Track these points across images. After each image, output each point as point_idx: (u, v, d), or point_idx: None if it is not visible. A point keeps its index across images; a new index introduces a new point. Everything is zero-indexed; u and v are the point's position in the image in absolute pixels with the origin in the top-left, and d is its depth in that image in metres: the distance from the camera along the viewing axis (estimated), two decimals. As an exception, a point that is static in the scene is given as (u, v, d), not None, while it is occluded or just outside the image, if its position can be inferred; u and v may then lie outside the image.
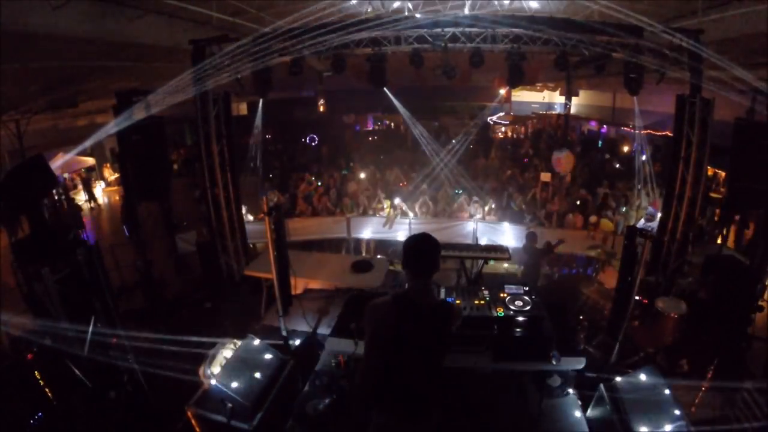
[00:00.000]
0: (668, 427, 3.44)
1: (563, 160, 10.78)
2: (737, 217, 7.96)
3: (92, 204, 14.49)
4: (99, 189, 15.33)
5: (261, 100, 9.84)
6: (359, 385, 2.61)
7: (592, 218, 8.99)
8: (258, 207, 9.45)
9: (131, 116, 5.62)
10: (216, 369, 3.95)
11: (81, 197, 14.38)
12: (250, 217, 9.53)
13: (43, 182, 3.77)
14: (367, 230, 9.67)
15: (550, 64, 7.46)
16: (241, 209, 8.07)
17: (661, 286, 6.67)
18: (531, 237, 7.61)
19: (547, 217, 9.43)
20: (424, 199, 10.12)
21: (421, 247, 2.43)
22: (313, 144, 17.60)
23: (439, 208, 10.06)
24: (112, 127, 5.54)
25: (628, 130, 15.79)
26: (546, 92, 20.79)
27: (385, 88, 9.56)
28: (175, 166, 13.88)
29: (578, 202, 9.94)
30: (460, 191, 10.42)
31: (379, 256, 9.16)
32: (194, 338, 4.31)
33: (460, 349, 3.75)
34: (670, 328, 5.36)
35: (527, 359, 3.98)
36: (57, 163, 10.22)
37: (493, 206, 9.93)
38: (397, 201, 9.94)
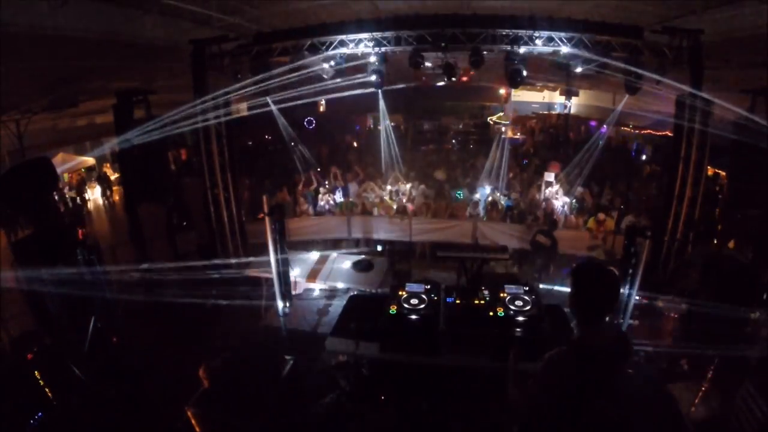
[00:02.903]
0: (668, 426, 3.44)
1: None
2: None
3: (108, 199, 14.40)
4: (98, 190, 15.19)
5: (268, 98, 9.82)
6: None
7: (600, 215, 8.90)
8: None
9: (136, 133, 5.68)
10: (217, 368, 3.95)
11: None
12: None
13: (44, 182, 3.77)
14: (368, 230, 9.65)
15: (550, 64, 7.46)
16: (240, 209, 8.05)
17: (661, 286, 6.67)
18: None
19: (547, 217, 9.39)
20: (422, 198, 10.12)
21: (600, 283, 1.96)
22: (310, 126, 17.45)
23: (437, 206, 10.04)
24: (118, 139, 5.58)
25: (629, 130, 15.78)
26: (546, 92, 20.76)
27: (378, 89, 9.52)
28: (172, 167, 13.80)
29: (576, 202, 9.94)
30: (461, 193, 10.42)
31: (379, 252, 9.17)
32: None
33: (459, 349, 3.75)
34: (670, 328, 5.36)
35: (527, 359, 3.97)
36: (60, 167, 10.20)
37: (492, 206, 9.91)
38: (396, 199, 9.96)
